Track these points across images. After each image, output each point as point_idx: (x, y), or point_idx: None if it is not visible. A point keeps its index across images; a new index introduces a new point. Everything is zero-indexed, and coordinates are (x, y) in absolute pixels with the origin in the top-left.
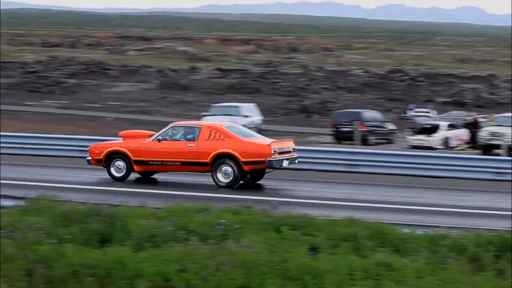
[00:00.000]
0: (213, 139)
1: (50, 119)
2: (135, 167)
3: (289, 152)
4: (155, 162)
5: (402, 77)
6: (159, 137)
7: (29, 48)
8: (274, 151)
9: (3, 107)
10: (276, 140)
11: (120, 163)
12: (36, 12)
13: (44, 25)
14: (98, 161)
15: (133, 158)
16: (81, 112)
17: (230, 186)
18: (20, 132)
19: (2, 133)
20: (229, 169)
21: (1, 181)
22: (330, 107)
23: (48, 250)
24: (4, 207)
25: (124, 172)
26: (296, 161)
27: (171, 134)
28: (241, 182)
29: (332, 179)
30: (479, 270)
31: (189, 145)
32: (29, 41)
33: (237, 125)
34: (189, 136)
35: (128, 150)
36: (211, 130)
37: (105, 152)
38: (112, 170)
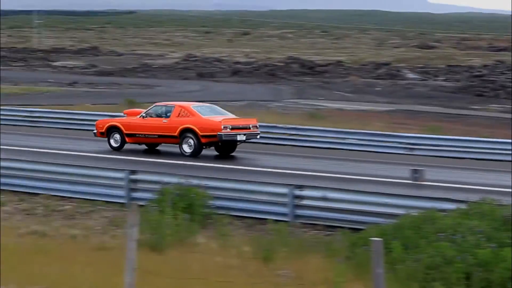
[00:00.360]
0: (181, 116)
1: (494, 123)
2: (127, 139)
3: (247, 128)
4: (140, 135)
5: None
6: (143, 114)
7: (476, 52)
8: (225, 127)
9: (449, 110)
10: (231, 117)
11: (117, 136)
12: (483, 17)
13: (491, 29)
14: (102, 134)
15: (125, 132)
16: None
17: (192, 156)
18: (462, 136)
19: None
20: (192, 141)
21: (441, 185)
22: None
23: (487, 253)
24: (445, 210)
25: (119, 143)
26: (258, 137)
27: (154, 112)
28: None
29: None
30: None
31: (163, 121)
32: (476, 45)
33: (207, 105)
34: (167, 114)
35: (121, 124)
36: (181, 109)
37: (106, 126)
38: (112, 141)
